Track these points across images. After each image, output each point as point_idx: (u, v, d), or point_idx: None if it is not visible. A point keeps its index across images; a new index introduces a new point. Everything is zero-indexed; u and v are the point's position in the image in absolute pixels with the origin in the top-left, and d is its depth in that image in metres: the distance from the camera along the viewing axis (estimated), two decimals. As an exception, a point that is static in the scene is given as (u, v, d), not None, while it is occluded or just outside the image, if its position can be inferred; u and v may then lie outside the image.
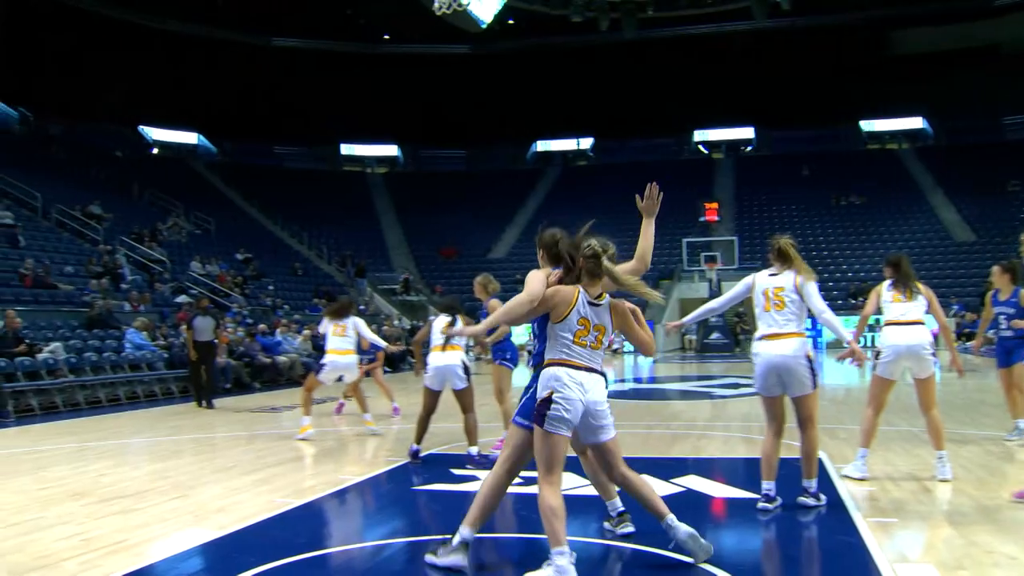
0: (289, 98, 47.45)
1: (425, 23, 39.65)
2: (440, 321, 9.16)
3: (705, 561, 4.96)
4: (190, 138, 49.17)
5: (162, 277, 27.57)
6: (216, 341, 16.60)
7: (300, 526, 6.38)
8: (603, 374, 5.00)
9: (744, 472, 8.37)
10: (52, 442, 11.34)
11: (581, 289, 5.00)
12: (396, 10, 42.20)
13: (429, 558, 5.04)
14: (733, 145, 52.57)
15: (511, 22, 43.71)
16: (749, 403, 14.67)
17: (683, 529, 5.04)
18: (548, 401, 4.80)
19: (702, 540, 5.00)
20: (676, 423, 12.16)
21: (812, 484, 6.41)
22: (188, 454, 10.11)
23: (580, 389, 4.83)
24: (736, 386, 17.67)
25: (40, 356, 16.28)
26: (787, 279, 6.53)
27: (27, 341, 16.46)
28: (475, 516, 5.04)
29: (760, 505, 6.30)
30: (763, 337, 6.47)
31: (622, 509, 5.72)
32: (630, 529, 5.64)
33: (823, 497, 6.45)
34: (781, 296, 6.42)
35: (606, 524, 5.79)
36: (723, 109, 48.40)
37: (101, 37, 42.68)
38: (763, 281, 6.63)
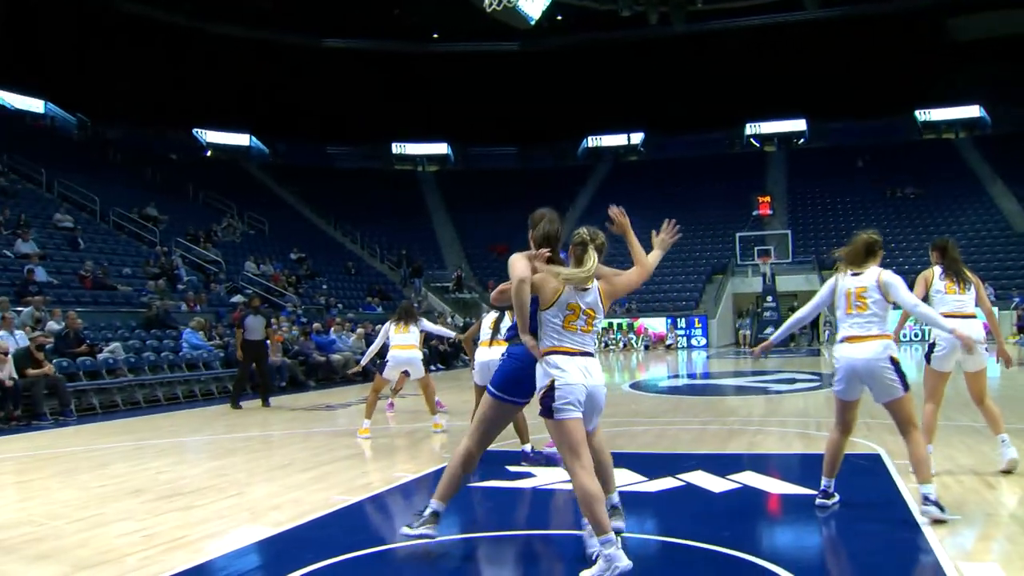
0: (340, 98, 47.77)
1: (474, 21, 39.73)
2: (489, 317, 9.21)
3: (764, 557, 4.89)
4: (243, 140, 49.79)
5: (217, 277, 27.91)
6: (268, 340, 16.70)
7: (356, 523, 6.41)
8: (594, 355, 5.06)
9: (801, 468, 8.27)
10: (112, 440, 11.53)
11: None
12: (444, 9, 42.28)
13: (404, 531, 5.29)
14: (785, 138, 51.97)
15: (559, 18, 43.59)
16: (805, 399, 14.51)
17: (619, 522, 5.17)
18: (550, 390, 4.80)
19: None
20: (731, 419, 12.03)
21: (931, 491, 5.76)
22: (244, 452, 10.22)
23: (583, 372, 4.88)
24: (792, 381, 17.43)
25: (100, 356, 16.56)
26: (869, 278, 6.15)
27: (88, 341, 16.75)
28: (444, 490, 5.30)
29: (818, 501, 6.17)
30: (845, 340, 6.15)
31: (616, 503, 5.58)
32: (620, 524, 5.47)
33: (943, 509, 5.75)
34: (863, 297, 6.09)
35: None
36: (775, 101, 47.86)
37: (156, 42, 43.38)
38: (845, 282, 6.23)
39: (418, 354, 11.31)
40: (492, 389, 5.26)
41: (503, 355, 5.37)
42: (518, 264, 5.01)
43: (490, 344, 8.85)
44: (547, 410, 4.81)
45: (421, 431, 11.42)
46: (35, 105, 42.28)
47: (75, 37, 40.97)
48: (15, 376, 13.84)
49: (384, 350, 11.70)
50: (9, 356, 14.00)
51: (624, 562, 4.51)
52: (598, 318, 5.08)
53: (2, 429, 13.07)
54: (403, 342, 11.19)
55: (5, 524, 6.40)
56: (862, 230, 6.44)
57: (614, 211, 6.04)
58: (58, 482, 8.38)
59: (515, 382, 5.18)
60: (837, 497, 6.21)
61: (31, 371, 14.19)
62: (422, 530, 5.23)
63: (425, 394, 11.57)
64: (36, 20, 39.56)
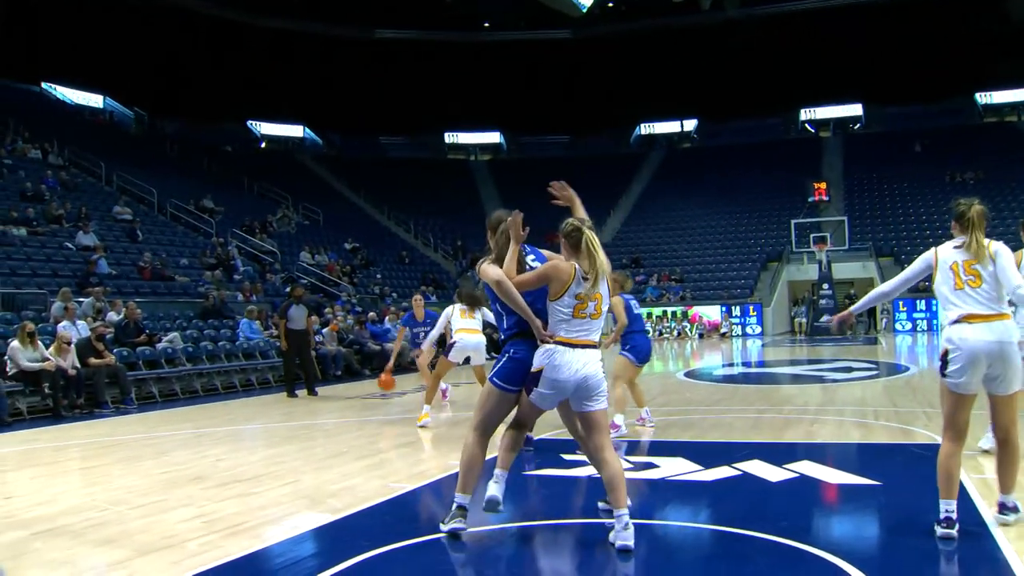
0: (392, 89, 48.00)
1: (525, 9, 39.68)
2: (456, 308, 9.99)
3: (823, 548, 4.82)
4: (297, 131, 50.27)
5: (273, 268, 28.22)
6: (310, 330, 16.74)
7: (412, 510, 6.44)
8: (596, 345, 5.20)
9: (859, 458, 8.15)
10: (172, 428, 11.70)
11: (576, 265, 5.16)
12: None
13: (441, 527, 5.35)
14: (841, 123, 51.25)
15: (611, 5, 43.36)
16: (862, 387, 14.30)
17: (625, 536, 4.90)
18: (537, 376, 5.10)
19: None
20: (787, 407, 11.90)
21: (1011, 500, 5.26)
22: (301, 440, 10.31)
23: (571, 367, 5.04)
24: (849, 370, 17.18)
25: (159, 346, 16.82)
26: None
27: (147, 331, 17.03)
28: (463, 481, 5.39)
29: (940, 532, 5.03)
30: (962, 319, 5.14)
31: None
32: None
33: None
34: (975, 269, 5.15)
35: (600, 504, 5.65)
36: (830, 86, 47.19)
37: (209, 37, 43.92)
38: (948, 254, 5.27)
39: (483, 340, 11.28)
40: (496, 381, 5.34)
41: (505, 353, 5.39)
42: (490, 270, 5.27)
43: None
44: (529, 389, 5.18)
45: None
46: (95, 100, 43.09)
47: (132, 33, 41.57)
48: (78, 365, 14.12)
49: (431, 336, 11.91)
50: (72, 346, 14.29)
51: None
52: (605, 302, 5.22)
53: (66, 417, 13.33)
54: (470, 327, 11.06)
55: (70, 509, 6.52)
56: (969, 199, 5.37)
57: (556, 185, 6.19)
58: (120, 469, 8.53)
59: (518, 376, 5.30)
60: (958, 526, 5.05)
61: (93, 360, 14.46)
62: (452, 524, 5.28)
63: (482, 381, 11.39)
64: (94, 18, 40.18)
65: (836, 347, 25.96)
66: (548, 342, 5.06)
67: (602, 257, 5.22)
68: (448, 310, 11.39)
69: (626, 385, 9.86)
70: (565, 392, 5.12)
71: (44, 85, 41.74)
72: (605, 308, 5.24)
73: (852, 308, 6.17)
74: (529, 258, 5.66)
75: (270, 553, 5.27)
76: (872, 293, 6.03)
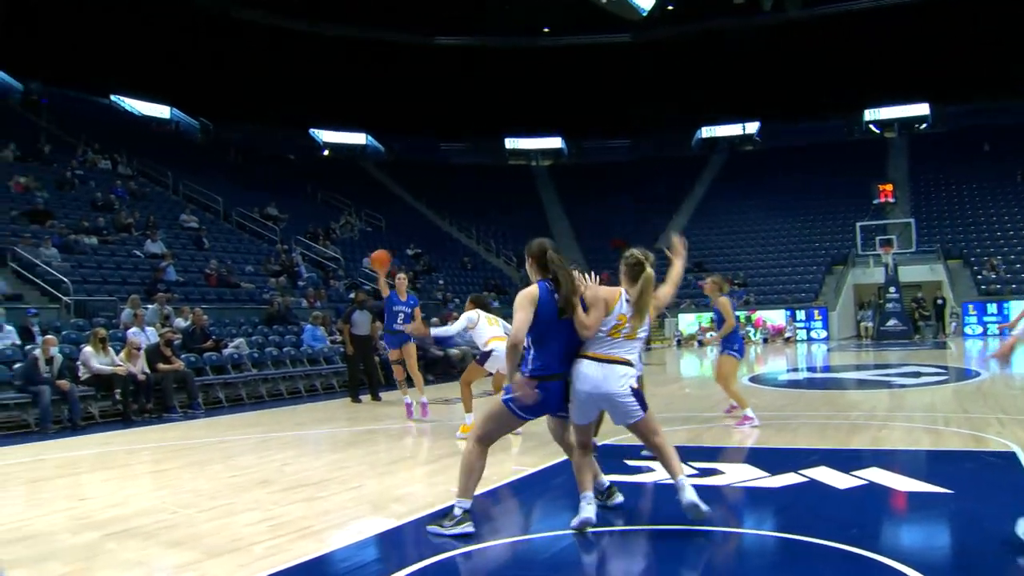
0: (453, 95, 48.23)
1: (584, 14, 39.60)
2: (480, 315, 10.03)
3: (893, 557, 4.73)
4: (358, 139, 50.77)
5: (336, 274, 28.51)
6: (374, 335, 16.88)
7: (475, 516, 6.45)
8: (629, 362, 5.50)
9: (929, 465, 7.99)
10: (239, 432, 11.88)
11: (623, 291, 5.62)
12: (554, 2, 42.26)
13: (434, 528, 5.52)
14: (906, 123, 50.29)
15: (670, 8, 43.12)
16: (932, 393, 14.02)
17: (689, 497, 5.31)
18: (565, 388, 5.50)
19: (702, 508, 5.27)
20: (854, 413, 11.69)
21: None
22: (365, 444, 10.39)
23: (594, 379, 5.38)
24: (917, 375, 16.85)
25: (226, 352, 17.09)
26: None
27: (213, 337, 17.31)
28: (465, 487, 5.59)
29: None
30: None
31: (607, 484, 6.16)
32: (620, 499, 6.11)
33: None
34: None
35: (597, 502, 5.83)
36: (895, 85, 46.35)
37: (272, 46, 44.53)
38: None
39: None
40: (512, 407, 5.50)
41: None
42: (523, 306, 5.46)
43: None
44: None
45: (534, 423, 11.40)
46: (161, 111, 43.96)
47: (198, 45, 42.34)
48: (147, 370, 14.41)
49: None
50: (142, 352, 14.59)
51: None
52: (643, 327, 5.58)
53: (136, 421, 13.61)
54: (499, 334, 10.45)
55: (142, 511, 6.66)
56: None
57: (676, 241, 6.44)
58: (189, 472, 8.68)
59: (533, 411, 5.54)
60: None
61: (162, 366, 14.74)
62: (460, 529, 5.44)
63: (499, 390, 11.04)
64: (161, 30, 41.00)
65: (904, 352, 25.50)
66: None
67: (653, 296, 5.65)
68: (473, 315, 10.50)
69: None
70: (592, 403, 5.46)
71: (113, 97, 42.70)
72: (643, 334, 5.59)
73: (1018, 331, 5.35)
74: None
75: (335, 557, 5.33)
76: None
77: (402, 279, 13.05)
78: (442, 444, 10.03)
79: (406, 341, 12.61)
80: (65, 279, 18.59)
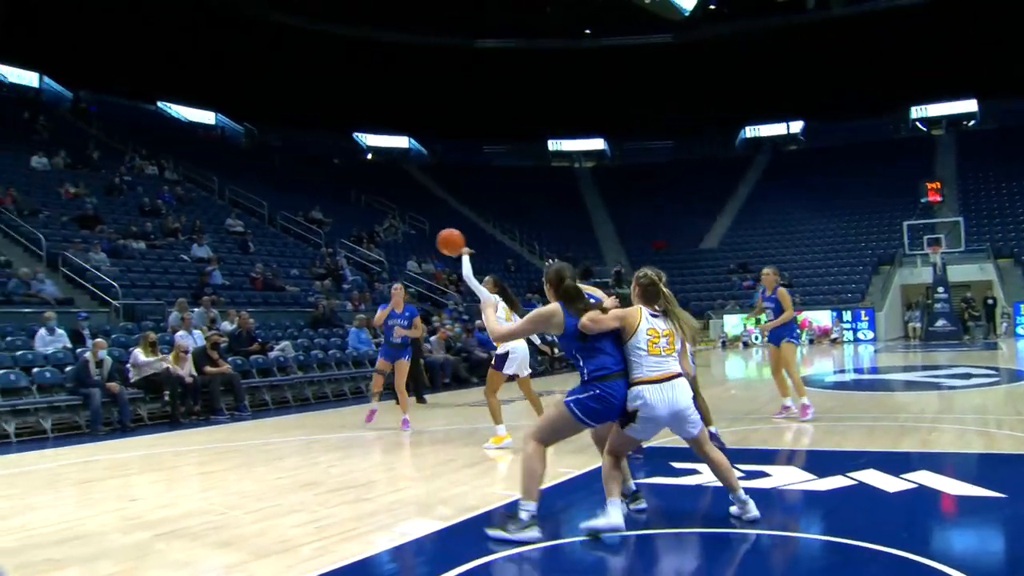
0: (494, 97, 48.28)
1: (626, 14, 39.47)
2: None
3: (945, 562, 4.65)
4: (401, 142, 51.00)
5: (380, 277, 28.64)
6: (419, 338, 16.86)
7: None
8: (684, 374, 5.60)
9: (980, 468, 7.85)
10: (285, 435, 11.97)
11: (642, 307, 5.61)
12: (596, 4, 42.18)
13: (497, 533, 5.41)
14: (954, 120, 49.56)
15: (712, 8, 42.85)
16: (983, 394, 13.79)
17: (752, 511, 5.51)
18: (632, 415, 5.44)
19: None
20: (903, 415, 11.53)
21: None
22: (410, 447, 10.42)
23: (665, 400, 5.41)
24: (967, 376, 16.56)
25: (271, 354, 17.24)
26: None
27: (259, 340, 17.47)
28: (530, 490, 5.48)
29: None
30: None
31: (634, 489, 6.15)
32: (643, 505, 6.07)
33: None
34: None
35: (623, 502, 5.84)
36: (941, 82, 45.62)
37: (315, 51, 44.89)
38: None
39: (527, 350, 10.14)
40: (577, 413, 5.49)
41: (592, 389, 5.48)
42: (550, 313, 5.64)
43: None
44: (623, 424, 5.53)
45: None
46: (206, 117, 44.49)
47: (242, 50, 42.79)
48: (194, 373, 14.58)
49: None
50: (189, 354, 14.76)
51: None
52: (678, 338, 5.61)
53: (183, 423, 13.77)
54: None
55: (189, 512, 6.73)
56: None
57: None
58: (236, 474, 8.76)
59: (597, 415, 5.54)
60: None
61: (209, 369, 14.90)
62: (527, 534, 5.35)
63: (531, 396, 10.18)
64: (205, 36, 41.50)
65: (953, 353, 25.10)
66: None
67: (680, 312, 5.67)
68: (493, 297, 9.16)
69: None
70: (661, 425, 5.53)
71: (160, 103, 43.29)
72: (678, 345, 5.61)
73: None
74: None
75: (380, 559, 5.35)
76: None
77: (398, 290, 12.55)
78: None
79: (401, 357, 12.12)
80: (114, 283, 18.84)
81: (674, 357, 5.54)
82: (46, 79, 38.09)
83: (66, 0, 36.47)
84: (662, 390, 5.39)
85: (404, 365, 12.19)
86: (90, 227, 22.46)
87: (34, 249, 20.30)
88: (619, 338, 5.51)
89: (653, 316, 5.54)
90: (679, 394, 5.43)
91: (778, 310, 11.20)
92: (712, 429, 8.79)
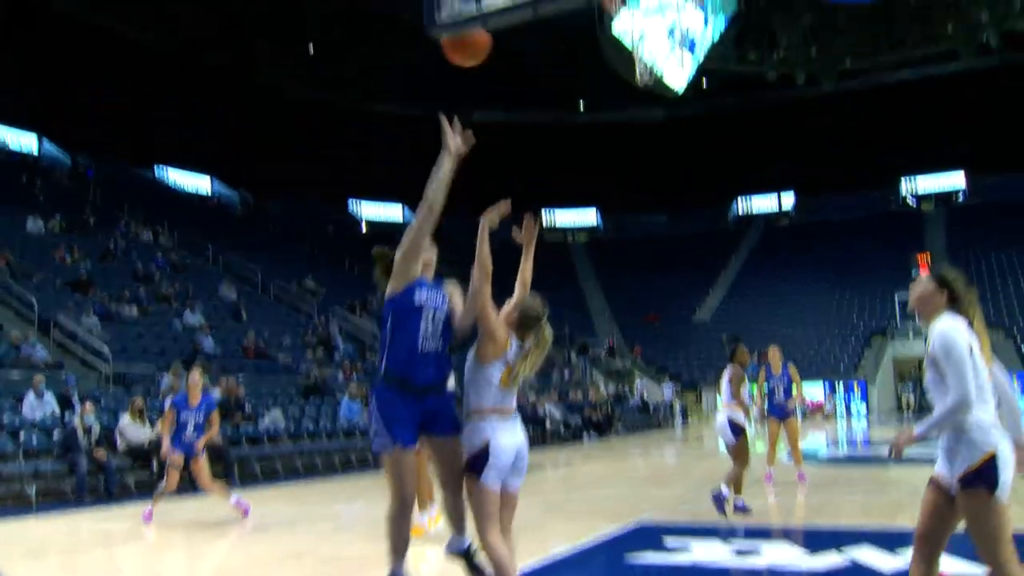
0: (489, 169, 48.64)
1: (620, 91, 40.01)
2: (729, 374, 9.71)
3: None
4: (395, 211, 51.34)
5: (373, 347, 28.56)
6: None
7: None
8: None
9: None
10: (274, 505, 11.81)
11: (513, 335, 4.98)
12: (589, 79, 42.84)
13: None
14: (943, 195, 50.20)
15: (705, 86, 43.46)
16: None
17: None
18: (484, 452, 4.59)
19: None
20: (898, 490, 11.44)
21: None
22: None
23: (513, 434, 4.69)
24: (962, 450, 16.41)
25: (261, 424, 17.11)
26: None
27: (246, 409, 17.33)
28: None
29: None
30: None
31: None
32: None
33: None
34: (925, 363, 4.43)
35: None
36: (930, 157, 46.37)
37: (311, 120, 45.41)
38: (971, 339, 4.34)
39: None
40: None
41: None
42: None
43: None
44: (473, 471, 4.59)
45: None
46: (203, 183, 44.75)
47: (239, 118, 43.24)
48: (183, 442, 14.42)
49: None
50: (178, 422, 14.62)
51: None
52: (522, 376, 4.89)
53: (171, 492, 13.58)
54: None
55: (174, 586, 6.61)
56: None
57: (529, 222, 5.62)
58: (224, 544, 8.63)
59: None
60: None
61: (198, 437, 14.74)
62: None
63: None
64: (204, 104, 41.94)
65: (995, 415, 24.95)
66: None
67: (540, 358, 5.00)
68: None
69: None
70: (508, 466, 4.68)
71: (157, 169, 43.56)
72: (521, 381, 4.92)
73: (918, 429, 4.48)
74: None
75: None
76: (945, 408, 4.28)
77: (196, 378, 10.69)
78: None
79: (196, 455, 10.30)
80: (105, 348, 18.77)
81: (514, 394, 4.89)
82: (46, 142, 38.39)
83: (67, 65, 36.86)
84: (512, 424, 4.77)
85: (203, 462, 10.33)
86: (83, 291, 22.43)
87: (26, 312, 20.24)
88: None
89: (520, 349, 4.98)
90: (521, 432, 4.78)
91: (790, 386, 11.60)
92: (739, 502, 9.08)
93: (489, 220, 5.09)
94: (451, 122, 5.10)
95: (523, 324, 5.09)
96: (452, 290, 5.21)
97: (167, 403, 14.91)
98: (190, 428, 10.22)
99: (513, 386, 4.83)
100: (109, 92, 38.81)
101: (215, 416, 10.67)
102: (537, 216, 5.55)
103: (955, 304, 4.40)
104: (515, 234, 5.65)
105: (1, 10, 34.46)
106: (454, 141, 5.10)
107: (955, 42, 38.00)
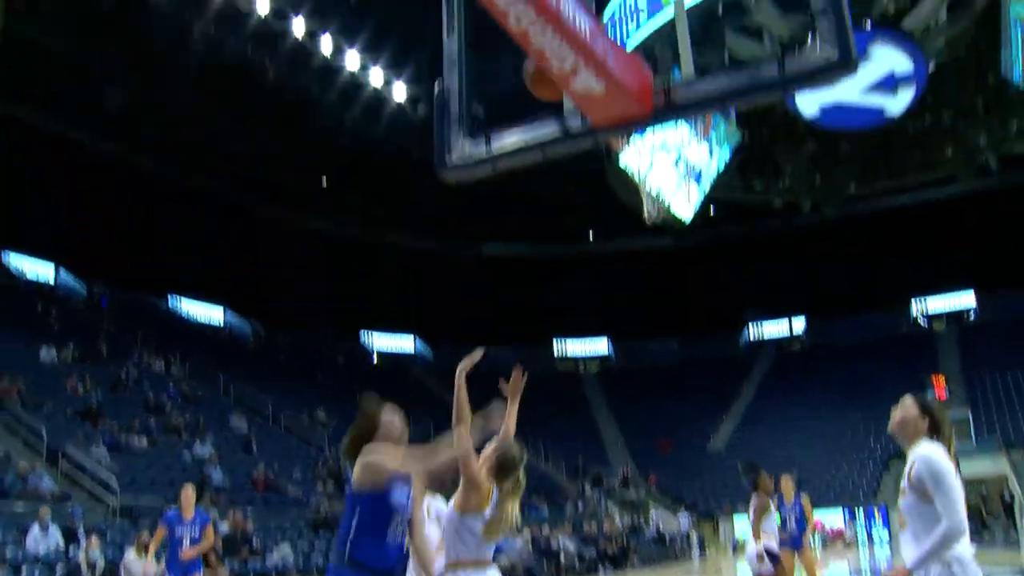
0: (500, 300, 49.07)
1: (628, 220, 40.53)
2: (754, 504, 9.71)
3: None
4: (407, 343, 51.31)
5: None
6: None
7: None
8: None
9: None
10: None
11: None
12: (598, 211, 43.46)
13: None
14: (954, 314, 50.07)
15: (712, 212, 44.05)
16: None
17: None
18: None
19: None
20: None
21: None
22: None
23: None
24: (988, 581, 15.96)
25: (270, 560, 16.78)
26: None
27: (252, 544, 17.03)
28: None
29: None
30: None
31: None
32: None
33: None
34: (902, 487, 4.47)
35: None
36: (939, 276, 46.47)
37: (324, 253, 45.97)
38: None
39: None
40: None
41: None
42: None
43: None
44: None
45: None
46: (216, 313, 45.01)
47: (253, 250, 43.79)
48: None
49: None
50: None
51: None
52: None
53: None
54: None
55: None
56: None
57: (517, 374, 5.80)
58: None
59: None
60: None
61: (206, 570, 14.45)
62: None
63: None
64: (218, 236, 42.53)
65: (973, 549, 24.35)
66: None
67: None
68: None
69: None
70: None
71: (170, 299, 43.87)
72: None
73: (911, 563, 4.30)
74: None
75: None
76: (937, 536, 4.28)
77: (188, 492, 10.40)
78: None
79: (194, 571, 10.01)
80: (112, 480, 18.59)
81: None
82: (62, 271, 38.80)
83: (84, 195, 37.53)
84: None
85: None
86: (93, 422, 22.38)
87: (34, 442, 20.14)
88: None
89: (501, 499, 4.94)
90: None
91: (803, 516, 11.81)
92: None
93: (463, 369, 5.06)
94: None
95: (502, 469, 5.08)
96: (417, 487, 5.11)
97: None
98: (186, 543, 9.75)
99: (497, 538, 4.80)
100: (125, 222, 39.36)
101: (210, 530, 10.29)
102: (524, 372, 5.72)
103: (935, 432, 4.49)
104: (502, 386, 5.74)
105: (21, 143, 35.28)
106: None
107: (955, 166, 38.43)
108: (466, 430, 4.81)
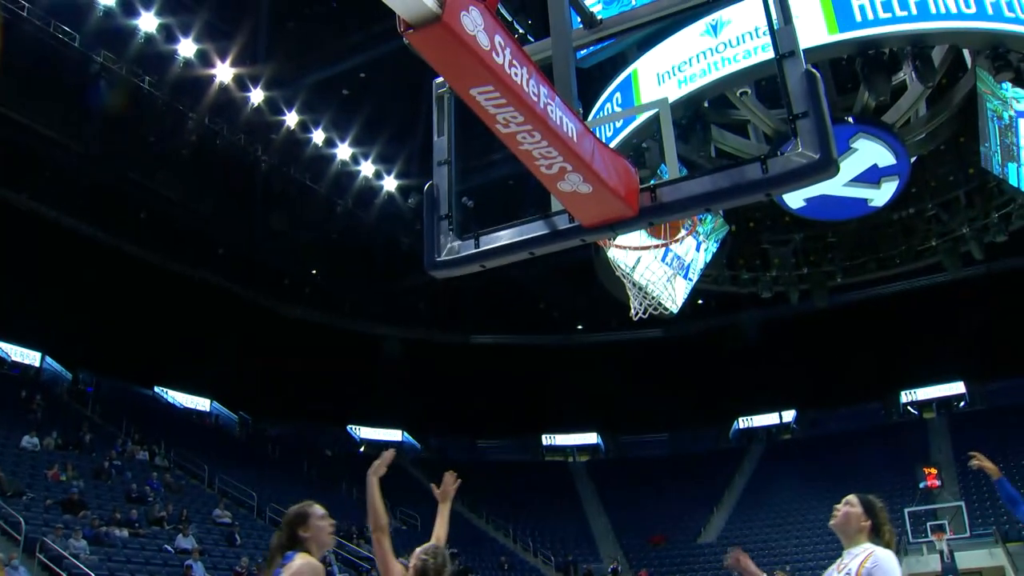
0: (489, 392, 48.88)
1: (615, 311, 40.71)
2: None
3: None
4: (395, 435, 50.84)
5: (370, 574, 27.79)
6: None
7: None
8: None
9: None
10: None
11: None
12: (587, 302, 43.70)
13: None
14: (944, 402, 49.89)
15: (700, 303, 44.23)
16: None
17: None
18: None
19: None
20: None
21: None
22: None
23: None
24: None
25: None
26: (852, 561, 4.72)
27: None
28: None
29: None
30: None
31: None
32: None
33: None
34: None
35: None
36: (928, 366, 46.49)
37: (313, 344, 45.88)
38: None
39: None
40: None
41: None
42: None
43: None
44: None
45: None
46: (202, 404, 44.73)
47: (240, 342, 43.62)
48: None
49: None
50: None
51: None
52: None
53: None
54: None
55: None
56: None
57: (449, 478, 5.90)
58: None
59: None
60: None
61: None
62: None
63: None
64: (205, 330, 42.44)
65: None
66: None
67: None
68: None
69: None
70: None
71: (156, 388, 43.59)
72: None
73: None
74: None
75: None
76: None
77: None
78: None
79: None
80: (92, 573, 18.23)
81: None
82: (47, 359, 38.58)
83: (71, 285, 37.53)
84: None
85: None
86: (74, 512, 22.04)
87: (12, 533, 19.78)
88: None
89: None
90: None
91: None
92: None
93: (373, 473, 5.12)
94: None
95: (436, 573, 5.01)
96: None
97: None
98: None
99: None
100: (112, 311, 39.30)
101: None
102: (457, 478, 6.10)
103: (876, 532, 4.67)
104: (435, 491, 5.96)
105: (5, 228, 35.35)
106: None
107: (940, 255, 38.82)
108: (384, 536, 4.83)
